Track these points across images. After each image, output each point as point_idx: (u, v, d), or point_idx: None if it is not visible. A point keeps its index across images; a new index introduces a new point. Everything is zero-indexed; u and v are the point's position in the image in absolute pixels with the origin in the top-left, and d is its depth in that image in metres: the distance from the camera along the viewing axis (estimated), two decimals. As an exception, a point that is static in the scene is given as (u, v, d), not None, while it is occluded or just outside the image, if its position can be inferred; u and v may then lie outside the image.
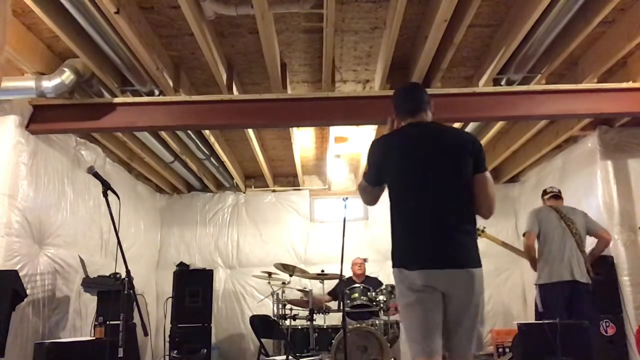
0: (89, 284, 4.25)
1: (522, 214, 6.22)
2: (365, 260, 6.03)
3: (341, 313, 3.96)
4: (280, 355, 4.96)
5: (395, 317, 5.23)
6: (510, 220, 6.84)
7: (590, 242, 5.04)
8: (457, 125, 4.99)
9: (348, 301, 5.02)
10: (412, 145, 2.26)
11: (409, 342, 2.12)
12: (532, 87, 4.09)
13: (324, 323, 5.27)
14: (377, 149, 2.37)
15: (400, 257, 2.17)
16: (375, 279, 5.89)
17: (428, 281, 2.06)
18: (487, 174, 2.23)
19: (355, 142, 6.05)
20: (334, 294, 5.66)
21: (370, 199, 2.42)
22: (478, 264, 2.12)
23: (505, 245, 4.82)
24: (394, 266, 2.18)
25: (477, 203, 2.20)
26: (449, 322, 2.08)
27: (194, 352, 5.19)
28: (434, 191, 2.15)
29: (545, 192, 4.59)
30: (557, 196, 4.51)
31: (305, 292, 5.15)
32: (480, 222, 2.31)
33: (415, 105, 2.36)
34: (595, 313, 4.29)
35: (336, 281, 5.51)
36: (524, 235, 4.38)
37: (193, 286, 5.53)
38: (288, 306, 5.13)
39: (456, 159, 2.19)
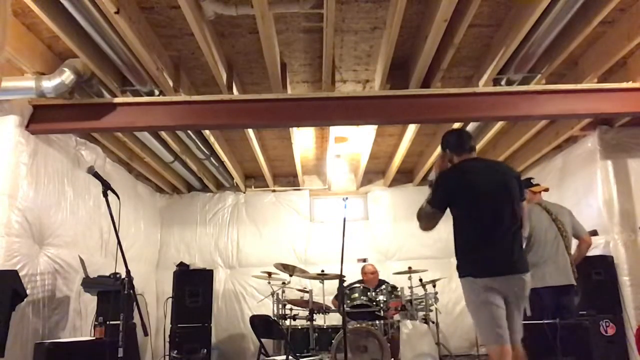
0: (89, 284, 4.24)
1: (522, 214, 6.21)
2: (364, 260, 6.03)
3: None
4: (280, 355, 4.96)
5: (395, 317, 5.23)
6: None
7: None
8: (456, 125, 5.00)
9: (348, 301, 5.02)
10: (482, 176, 2.77)
11: None
12: (532, 87, 4.08)
13: (324, 323, 5.27)
14: (452, 177, 2.83)
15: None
16: (388, 283, 5.80)
17: (495, 285, 2.58)
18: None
19: (355, 142, 6.05)
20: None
21: (433, 223, 2.80)
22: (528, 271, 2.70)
23: None
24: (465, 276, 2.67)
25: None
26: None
27: (194, 352, 5.19)
28: (500, 213, 2.67)
29: (532, 184, 4.34)
30: (545, 190, 4.39)
31: (305, 292, 5.16)
32: None
33: (469, 145, 2.90)
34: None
35: (336, 282, 5.51)
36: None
37: (193, 286, 5.53)
38: (288, 306, 5.13)
39: (511, 190, 2.74)
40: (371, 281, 5.80)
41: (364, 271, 5.88)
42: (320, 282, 5.20)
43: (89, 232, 4.85)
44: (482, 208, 2.68)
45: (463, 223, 2.74)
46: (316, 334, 4.88)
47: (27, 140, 3.90)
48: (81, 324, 4.54)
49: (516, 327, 2.66)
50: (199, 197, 7.17)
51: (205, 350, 5.29)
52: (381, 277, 5.99)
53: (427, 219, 2.81)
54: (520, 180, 2.84)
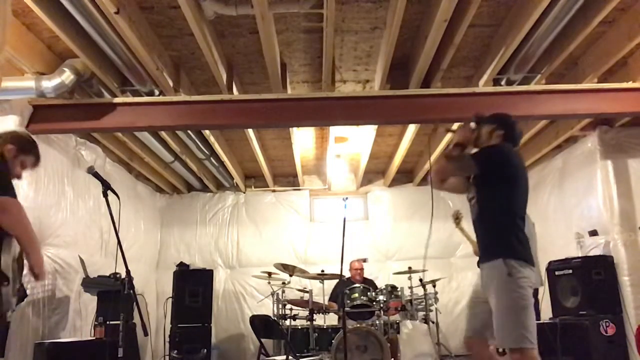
0: (89, 284, 4.25)
1: (522, 214, 6.22)
2: (364, 260, 6.03)
3: (341, 313, 3.96)
4: (280, 355, 4.95)
5: (395, 317, 5.23)
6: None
7: (590, 243, 5.04)
8: (456, 125, 4.99)
9: (348, 301, 5.01)
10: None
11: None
12: (532, 87, 4.09)
13: (324, 323, 5.27)
14: (517, 155, 2.64)
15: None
16: (372, 282, 5.88)
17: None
18: None
19: (355, 142, 6.05)
20: (335, 299, 5.64)
21: (455, 175, 2.65)
22: None
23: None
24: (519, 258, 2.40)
25: None
26: None
27: (194, 352, 5.18)
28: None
29: None
30: None
31: (305, 292, 5.15)
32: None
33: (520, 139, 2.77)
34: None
35: (334, 282, 5.51)
36: None
37: (193, 286, 5.52)
38: (288, 306, 5.13)
39: None
40: (356, 277, 5.85)
41: (350, 267, 5.92)
42: (320, 282, 5.20)
43: (89, 232, 4.85)
44: (524, 193, 2.57)
45: (514, 201, 2.51)
46: (316, 334, 4.87)
47: (27, 140, 3.90)
48: (81, 324, 4.54)
49: None
50: (199, 197, 7.17)
51: (205, 350, 5.28)
52: (381, 277, 6.00)
53: (458, 168, 2.63)
54: None
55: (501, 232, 2.47)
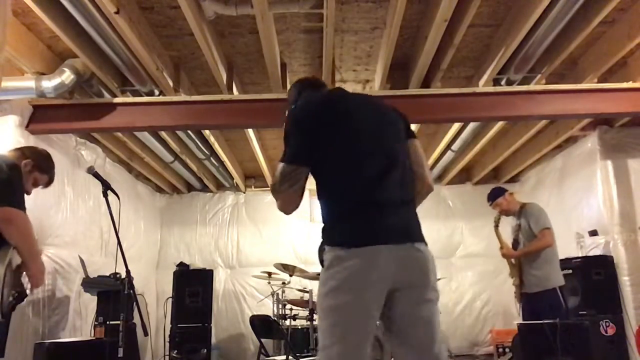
0: (89, 284, 4.24)
1: (522, 214, 6.23)
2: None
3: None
4: (280, 355, 4.96)
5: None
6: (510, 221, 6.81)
7: (590, 243, 5.05)
8: (457, 125, 4.99)
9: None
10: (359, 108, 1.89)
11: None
12: (532, 87, 4.09)
13: (324, 323, 5.26)
14: (318, 106, 1.82)
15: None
16: None
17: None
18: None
19: (355, 142, 6.04)
20: None
21: (296, 193, 1.79)
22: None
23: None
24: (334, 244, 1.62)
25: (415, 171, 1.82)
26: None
27: (194, 352, 5.19)
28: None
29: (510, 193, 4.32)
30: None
31: (305, 292, 5.15)
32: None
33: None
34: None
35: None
36: (544, 229, 3.95)
37: (193, 286, 5.53)
38: (288, 306, 5.13)
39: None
40: None
41: None
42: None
43: (89, 232, 4.85)
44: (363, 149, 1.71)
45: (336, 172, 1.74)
46: (316, 334, 4.87)
47: (27, 140, 3.90)
48: (81, 324, 4.54)
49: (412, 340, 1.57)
50: (199, 197, 7.17)
51: (205, 350, 5.29)
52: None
53: (287, 187, 1.77)
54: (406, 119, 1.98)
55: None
